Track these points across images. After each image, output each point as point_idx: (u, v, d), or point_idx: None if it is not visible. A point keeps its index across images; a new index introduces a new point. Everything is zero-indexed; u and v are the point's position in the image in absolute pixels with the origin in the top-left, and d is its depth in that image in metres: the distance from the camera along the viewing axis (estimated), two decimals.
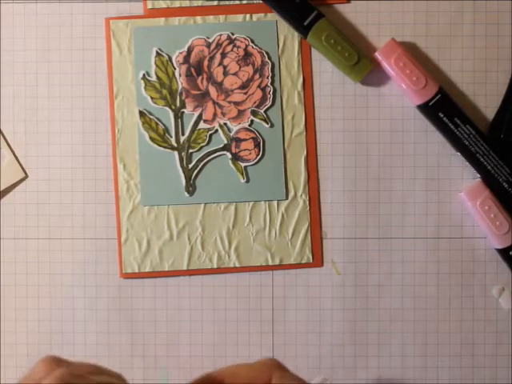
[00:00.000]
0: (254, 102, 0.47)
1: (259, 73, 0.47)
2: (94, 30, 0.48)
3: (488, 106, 0.48)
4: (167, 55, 0.47)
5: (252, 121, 0.47)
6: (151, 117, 0.47)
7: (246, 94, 0.47)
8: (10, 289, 0.49)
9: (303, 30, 0.46)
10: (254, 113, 0.47)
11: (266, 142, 0.47)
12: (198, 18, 0.47)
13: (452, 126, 0.46)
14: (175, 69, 0.47)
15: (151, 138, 0.47)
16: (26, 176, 0.49)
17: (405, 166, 0.48)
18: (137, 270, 0.48)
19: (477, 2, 0.48)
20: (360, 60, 0.46)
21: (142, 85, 0.47)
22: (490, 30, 0.48)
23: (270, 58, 0.47)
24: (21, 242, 0.49)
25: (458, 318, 0.48)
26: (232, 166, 0.48)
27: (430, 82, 0.46)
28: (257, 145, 0.47)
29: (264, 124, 0.47)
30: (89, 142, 0.48)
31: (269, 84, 0.47)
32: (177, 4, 0.48)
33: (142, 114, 0.47)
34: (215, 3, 0.48)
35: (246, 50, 0.47)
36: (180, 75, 0.47)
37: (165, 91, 0.47)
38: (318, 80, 0.48)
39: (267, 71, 0.47)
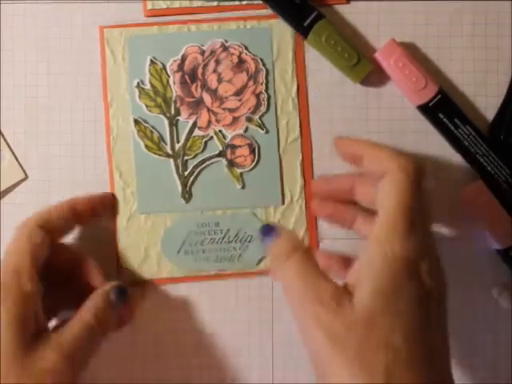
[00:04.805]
0: (249, 109, 0.47)
1: (253, 80, 0.47)
2: (94, 30, 0.48)
3: (488, 106, 0.48)
4: (161, 63, 0.47)
5: (247, 127, 0.47)
6: (146, 125, 0.47)
7: (240, 100, 0.47)
8: None
9: (303, 31, 0.46)
10: (248, 119, 0.47)
11: (262, 148, 0.47)
12: (192, 26, 0.47)
13: (452, 127, 0.46)
14: (169, 76, 0.47)
15: (146, 146, 0.47)
16: (26, 177, 0.49)
17: None
18: (135, 279, 0.48)
19: (477, 2, 0.48)
20: (360, 60, 0.46)
21: (137, 93, 0.47)
22: (489, 30, 0.48)
23: (264, 65, 0.47)
24: None
25: (457, 318, 0.48)
26: (228, 172, 0.48)
27: (429, 83, 0.46)
28: (252, 151, 0.47)
29: (259, 130, 0.47)
30: (89, 143, 0.48)
31: (263, 91, 0.47)
32: (176, 4, 0.48)
33: (136, 122, 0.47)
34: (215, 4, 0.48)
35: (239, 57, 0.47)
36: (174, 83, 0.47)
37: (159, 99, 0.47)
38: (317, 80, 0.48)
39: (261, 78, 0.47)
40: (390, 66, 0.46)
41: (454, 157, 0.48)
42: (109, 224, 0.48)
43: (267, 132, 0.47)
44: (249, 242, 0.48)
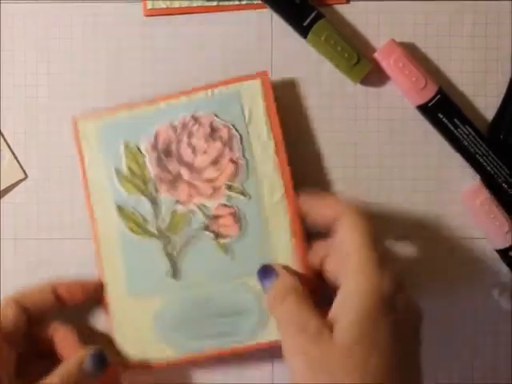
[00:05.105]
0: (228, 177, 0.46)
1: (228, 146, 0.46)
2: (93, 29, 0.48)
3: (487, 106, 0.48)
4: (135, 145, 0.46)
5: (228, 196, 0.46)
6: (128, 208, 0.46)
7: (218, 170, 0.46)
8: (11, 289, 0.49)
9: (303, 31, 0.46)
10: (229, 187, 0.46)
11: (246, 215, 0.46)
12: (161, 103, 0.46)
13: (451, 127, 0.46)
14: (145, 156, 0.46)
15: (131, 229, 0.46)
16: (26, 176, 0.49)
17: (405, 167, 0.48)
18: (131, 361, 0.47)
19: (477, 2, 0.48)
20: (359, 60, 0.46)
21: (115, 178, 0.46)
22: (489, 30, 0.48)
23: (237, 130, 0.46)
24: (21, 241, 0.49)
25: (457, 319, 0.48)
26: (215, 244, 0.46)
27: (429, 83, 0.46)
28: (237, 220, 0.46)
29: (241, 197, 0.46)
30: None
31: (240, 156, 0.46)
32: (176, 4, 0.48)
33: (119, 207, 0.46)
34: (215, 3, 0.48)
35: (211, 126, 0.46)
36: (150, 162, 0.46)
37: (138, 181, 0.46)
38: (317, 79, 0.48)
39: (236, 144, 0.46)
40: (389, 65, 0.46)
41: (454, 157, 0.48)
42: (100, 308, 0.48)
43: (249, 198, 0.46)
44: (242, 314, 0.46)
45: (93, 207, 0.47)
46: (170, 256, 0.46)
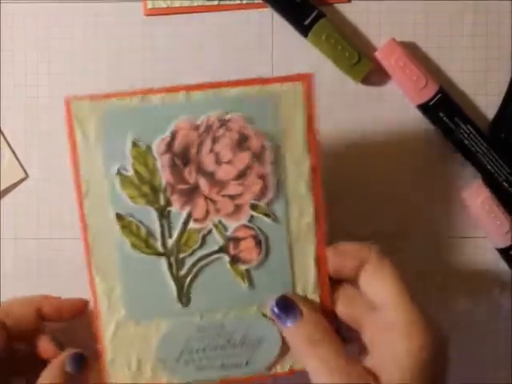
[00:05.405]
0: (253, 194, 0.39)
1: (258, 159, 0.39)
2: (94, 29, 0.48)
3: (488, 105, 0.48)
4: (146, 144, 0.38)
5: (252, 216, 0.39)
6: (131, 219, 0.39)
7: (243, 185, 0.39)
8: (10, 289, 0.49)
9: (304, 30, 0.46)
10: (253, 207, 0.39)
11: (270, 240, 0.40)
12: (182, 94, 0.39)
13: (452, 126, 0.47)
14: (156, 159, 0.39)
15: (132, 244, 0.39)
16: (27, 176, 0.49)
17: (405, 166, 0.48)
18: None
19: (477, 1, 0.48)
20: (360, 60, 0.47)
21: (117, 181, 0.39)
22: (490, 29, 0.48)
23: (270, 141, 0.39)
24: (21, 241, 0.49)
25: (457, 318, 0.48)
26: (231, 269, 0.40)
27: (430, 82, 0.46)
28: (258, 243, 0.40)
29: (266, 219, 0.40)
30: None
31: (270, 172, 0.39)
32: (177, 4, 0.48)
33: (119, 216, 0.39)
34: (216, 3, 0.48)
35: (241, 132, 0.39)
36: (163, 167, 0.39)
37: (145, 187, 0.39)
38: (318, 79, 0.48)
39: (267, 157, 0.39)
40: (390, 65, 0.46)
41: (455, 156, 0.48)
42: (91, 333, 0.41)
43: (275, 220, 0.40)
44: (257, 345, 0.41)
45: (86, 219, 0.40)
46: (177, 278, 0.40)
